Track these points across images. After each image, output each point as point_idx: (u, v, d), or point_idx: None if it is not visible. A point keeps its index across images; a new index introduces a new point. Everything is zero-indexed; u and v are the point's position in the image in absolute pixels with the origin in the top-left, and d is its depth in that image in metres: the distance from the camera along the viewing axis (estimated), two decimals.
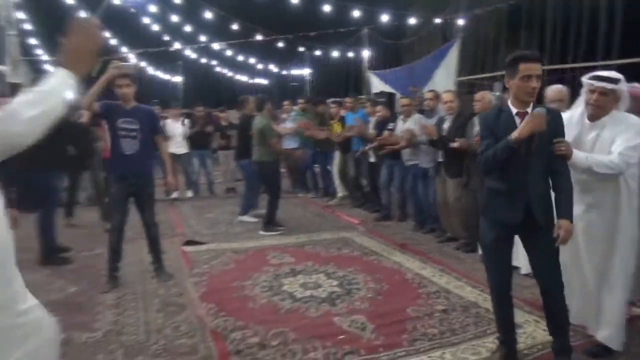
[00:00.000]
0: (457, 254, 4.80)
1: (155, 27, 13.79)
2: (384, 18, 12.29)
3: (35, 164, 4.14)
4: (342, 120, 7.41)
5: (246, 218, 6.40)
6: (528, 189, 2.45)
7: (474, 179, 4.61)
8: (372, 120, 6.70)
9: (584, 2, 10.04)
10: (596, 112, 2.69)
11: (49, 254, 4.49)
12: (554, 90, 3.74)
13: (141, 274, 4.26)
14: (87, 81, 3.93)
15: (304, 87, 21.05)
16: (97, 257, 4.66)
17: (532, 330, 3.07)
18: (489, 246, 2.65)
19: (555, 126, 2.47)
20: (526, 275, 3.79)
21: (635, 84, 3.09)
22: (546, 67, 9.31)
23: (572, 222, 2.39)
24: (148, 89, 20.61)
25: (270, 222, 5.83)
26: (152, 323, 3.23)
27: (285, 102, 9.05)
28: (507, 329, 2.70)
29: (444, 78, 11.16)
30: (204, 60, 18.02)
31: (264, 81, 23.08)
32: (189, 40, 14.95)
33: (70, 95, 1.36)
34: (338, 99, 10.59)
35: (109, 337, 3.03)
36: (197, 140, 8.39)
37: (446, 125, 5.01)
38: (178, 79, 22.98)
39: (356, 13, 12.22)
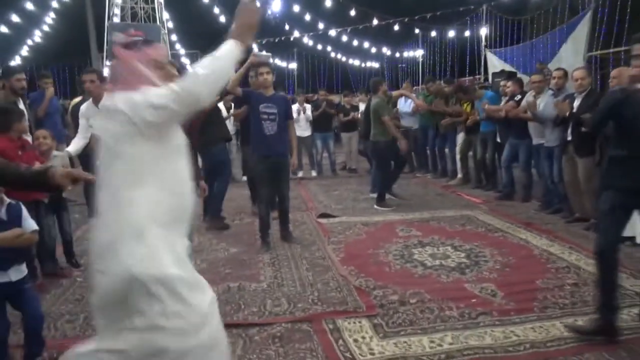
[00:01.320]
0: (587, 234, 4.77)
1: (276, 18, 14.70)
2: None
3: (214, 140, 4.95)
4: (471, 101, 7.42)
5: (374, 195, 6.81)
6: None
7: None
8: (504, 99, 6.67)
9: None
10: None
11: (213, 220, 5.30)
12: None
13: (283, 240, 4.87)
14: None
15: (416, 69, 20.94)
16: (249, 224, 5.42)
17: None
18: (604, 212, 2.71)
19: None
20: None
21: None
22: None
23: None
24: None
25: (381, 198, 6.23)
26: (304, 279, 3.80)
27: (405, 83, 9.28)
28: (609, 293, 2.74)
29: (572, 53, 10.57)
30: (319, 47, 18.70)
31: (375, 64, 23.31)
32: (307, 28, 15.66)
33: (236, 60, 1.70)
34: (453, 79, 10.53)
35: (273, 287, 3.64)
36: (320, 123, 8.99)
37: (576, 104, 4.95)
38: (293, 65, 24.07)
39: None
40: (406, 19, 13.82)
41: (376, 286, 3.61)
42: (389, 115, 6.23)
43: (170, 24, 13.86)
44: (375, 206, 6.22)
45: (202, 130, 4.31)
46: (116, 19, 10.05)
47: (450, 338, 2.82)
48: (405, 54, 21.42)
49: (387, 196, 6.41)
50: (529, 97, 5.82)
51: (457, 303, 3.28)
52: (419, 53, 20.37)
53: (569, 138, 5.04)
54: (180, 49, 15.98)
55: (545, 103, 5.48)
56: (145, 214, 1.61)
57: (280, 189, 4.75)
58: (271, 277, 3.86)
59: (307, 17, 14.14)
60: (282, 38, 16.75)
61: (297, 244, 4.69)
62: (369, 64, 23.10)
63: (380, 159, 6.46)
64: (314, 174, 9.06)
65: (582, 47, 10.26)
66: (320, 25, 15.16)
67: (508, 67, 12.16)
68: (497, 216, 5.57)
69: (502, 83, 6.98)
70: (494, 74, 12.37)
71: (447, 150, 8.01)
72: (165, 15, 12.10)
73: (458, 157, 7.69)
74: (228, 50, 1.67)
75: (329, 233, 5.07)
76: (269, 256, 4.37)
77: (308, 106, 9.20)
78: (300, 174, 8.87)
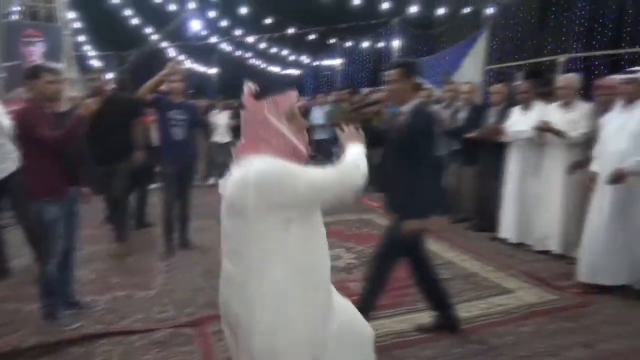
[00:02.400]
0: (467, 233, 5.23)
1: (195, 23, 14.53)
2: (413, 9, 12.57)
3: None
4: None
5: None
6: None
7: (488, 167, 5.01)
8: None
9: None
10: None
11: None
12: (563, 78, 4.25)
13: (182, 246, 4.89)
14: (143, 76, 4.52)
15: (336, 77, 21.49)
16: (147, 232, 5.36)
17: (522, 294, 3.53)
18: None
19: None
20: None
21: None
22: (573, 55, 9.45)
23: None
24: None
25: None
26: (196, 284, 3.85)
27: (319, 95, 9.55)
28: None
29: (473, 67, 11.39)
30: (238, 53, 18.68)
31: (295, 71, 23.60)
32: (225, 34, 15.62)
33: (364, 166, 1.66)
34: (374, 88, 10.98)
35: (162, 294, 3.66)
36: (239, 130, 8.98)
37: (461, 116, 5.42)
38: (213, 70, 23.77)
39: (385, 5, 12.54)
40: (322, 29, 14.20)
41: None
42: None
43: (78, 24, 13.23)
44: None
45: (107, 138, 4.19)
46: (15, 17, 9.45)
47: None
48: (325, 63, 21.91)
49: None
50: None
51: None
52: (337, 62, 20.94)
53: (454, 148, 5.47)
54: (90, 51, 15.30)
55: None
56: None
57: (183, 194, 4.77)
58: (162, 284, 3.88)
59: (225, 23, 14.12)
60: (202, 42, 16.55)
61: (195, 250, 4.72)
62: (289, 70, 23.35)
63: None
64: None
65: (481, 61, 11.11)
66: (238, 32, 15.17)
67: (418, 79, 12.88)
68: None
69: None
70: None
71: None
72: (71, 14, 11.54)
73: None
74: (356, 153, 1.70)
75: None
76: (165, 263, 4.36)
77: (226, 112, 9.12)
78: (211, 181, 8.84)
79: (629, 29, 9.53)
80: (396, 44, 16.03)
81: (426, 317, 3.20)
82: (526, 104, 4.60)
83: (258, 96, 1.58)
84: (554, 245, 4.34)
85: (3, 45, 8.67)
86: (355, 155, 1.66)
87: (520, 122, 4.53)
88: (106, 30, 14.65)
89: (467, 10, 12.84)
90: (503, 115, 4.79)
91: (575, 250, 4.13)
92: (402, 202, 2.75)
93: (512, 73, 10.16)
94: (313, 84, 22.79)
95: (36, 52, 8.84)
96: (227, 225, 1.61)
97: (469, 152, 5.26)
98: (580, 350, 2.78)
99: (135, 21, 13.71)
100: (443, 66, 12.94)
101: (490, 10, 11.60)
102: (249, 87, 1.62)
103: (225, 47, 17.60)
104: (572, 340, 2.89)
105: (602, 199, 3.50)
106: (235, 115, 9.03)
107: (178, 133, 4.58)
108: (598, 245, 3.49)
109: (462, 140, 5.25)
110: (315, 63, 21.64)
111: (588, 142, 3.93)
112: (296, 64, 22.14)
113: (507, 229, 4.77)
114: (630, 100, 3.45)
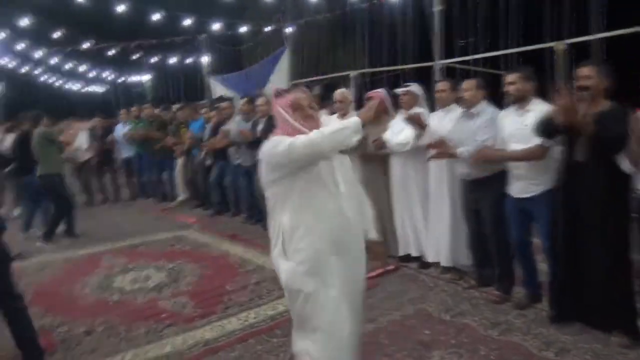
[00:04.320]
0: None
1: None
2: (216, 26, 12.78)
3: None
4: (186, 125, 7.66)
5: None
6: None
7: None
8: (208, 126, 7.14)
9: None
10: None
11: None
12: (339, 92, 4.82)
13: None
14: None
15: (147, 93, 20.56)
16: None
17: None
18: None
19: None
20: None
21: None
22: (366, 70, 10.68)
23: None
24: None
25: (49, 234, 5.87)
26: None
27: (122, 111, 9.03)
28: None
29: (279, 81, 12.05)
30: (25, 68, 16.55)
31: (99, 89, 21.90)
32: (4, 47, 13.71)
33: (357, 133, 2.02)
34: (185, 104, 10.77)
35: None
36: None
37: (260, 127, 5.73)
38: None
39: (188, 21, 12.50)
40: (123, 44, 13.46)
41: (62, 322, 3.45)
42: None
43: None
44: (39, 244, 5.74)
45: None
46: None
47: (131, 355, 2.93)
48: (132, 79, 20.80)
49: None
50: (231, 123, 6.46)
51: (147, 321, 3.41)
52: (145, 77, 20.06)
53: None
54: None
55: (237, 126, 6.15)
56: None
57: None
58: None
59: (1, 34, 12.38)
60: None
61: None
62: (91, 88, 21.56)
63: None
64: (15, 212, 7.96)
65: (285, 76, 11.81)
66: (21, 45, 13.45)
67: (229, 93, 13.08)
68: (206, 233, 5.95)
69: (203, 111, 7.52)
70: (215, 99, 13.13)
71: (164, 175, 8.11)
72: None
73: (178, 180, 7.89)
74: (353, 122, 2.02)
75: (17, 277, 4.55)
76: None
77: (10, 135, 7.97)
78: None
79: (403, 49, 11.20)
80: (205, 59, 16.08)
81: (235, 321, 3.34)
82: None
83: (275, 96, 2.17)
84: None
85: None
86: (346, 121, 2.06)
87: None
88: None
89: (268, 29, 13.56)
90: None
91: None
92: None
93: (311, 86, 11.04)
94: (124, 100, 21.39)
95: None
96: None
97: None
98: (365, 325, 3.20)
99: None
100: (252, 81, 13.42)
101: (289, 29, 12.44)
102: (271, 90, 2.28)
103: (8, 62, 15.43)
104: None
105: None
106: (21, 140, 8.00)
107: None
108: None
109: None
110: (122, 79, 20.37)
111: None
112: (99, 80, 20.55)
113: None
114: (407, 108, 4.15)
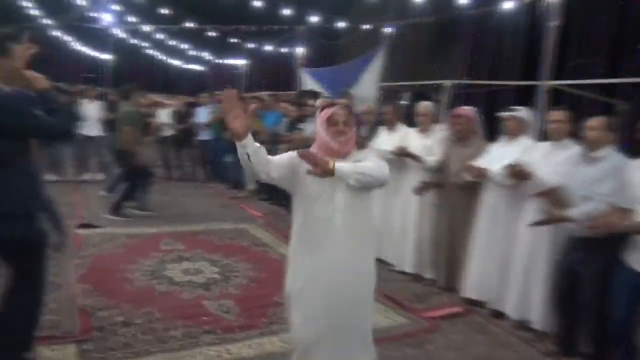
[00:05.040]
0: None
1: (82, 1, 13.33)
2: (314, 19, 12.64)
3: None
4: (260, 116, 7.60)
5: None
6: None
7: None
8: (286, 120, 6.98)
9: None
10: None
11: None
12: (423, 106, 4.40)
13: None
14: None
15: (240, 78, 21.03)
16: None
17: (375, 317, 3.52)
18: None
19: None
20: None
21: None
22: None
23: None
24: (74, 63, 19.78)
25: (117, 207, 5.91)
26: None
27: (204, 94, 9.15)
28: None
29: (369, 82, 11.68)
30: (134, 41, 17.54)
31: (198, 67, 22.76)
32: (119, 19, 14.56)
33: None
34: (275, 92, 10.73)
35: None
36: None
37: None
38: (107, 56, 22.14)
39: (287, 11, 12.48)
40: (223, 27, 13.75)
41: (106, 306, 3.36)
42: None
43: None
44: (107, 216, 5.82)
45: None
46: None
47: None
48: (229, 61, 21.38)
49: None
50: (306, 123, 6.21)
51: (186, 322, 3.23)
52: (241, 62, 20.50)
53: None
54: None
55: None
56: None
57: None
58: None
59: (117, 7, 13.12)
60: (93, 25, 15.25)
61: None
62: (191, 65, 22.47)
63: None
64: (98, 177, 8.33)
65: (376, 78, 11.40)
66: (132, 18, 14.20)
67: (318, 87, 12.92)
68: (268, 230, 5.76)
69: (282, 105, 7.30)
70: (302, 92, 13.02)
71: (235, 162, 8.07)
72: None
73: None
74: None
75: (80, 246, 4.63)
76: None
77: (97, 103, 8.39)
78: (86, 177, 8.12)
79: (507, 63, 10.36)
80: (300, 50, 16.07)
81: (277, 342, 3.07)
82: (391, 126, 4.71)
83: (320, 109, 2.24)
84: (408, 266, 4.46)
85: None
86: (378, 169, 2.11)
87: (385, 142, 4.62)
88: None
89: (367, 26, 13.20)
90: (372, 133, 4.87)
91: (429, 270, 4.28)
92: None
93: (401, 92, 10.56)
94: (218, 82, 22.08)
95: None
96: None
97: None
98: None
99: None
100: (343, 78, 13.16)
101: (388, 29, 12.00)
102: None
103: (119, 33, 16.41)
104: None
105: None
106: (110, 108, 8.34)
107: None
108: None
109: None
110: (218, 61, 21.03)
111: (439, 167, 4.14)
112: (198, 60, 21.35)
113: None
114: (512, 135, 3.68)
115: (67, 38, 17.48)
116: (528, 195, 3.31)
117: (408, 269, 4.45)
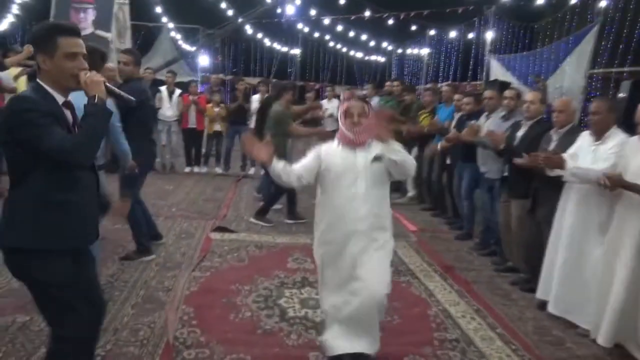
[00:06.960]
0: (510, 292, 3.93)
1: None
2: None
3: None
4: (433, 111, 6.54)
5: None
6: None
7: (542, 206, 3.67)
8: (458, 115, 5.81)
9: None
10: None
11: None
12: None
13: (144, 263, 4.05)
14: None
15: (421, 68, 19.88)
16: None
17: None
18: None
19: None
20: None
21: None
22: None
23: None
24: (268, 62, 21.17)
25: (262, 213, 5.48)
26: (118, 320, 3.03)
27: (369, 86, 8.38)
28: None
29: (574, 69, 9.60)
30: (316, 35, 17.81)
31: (380, 59, 22.28)
32: (301, 12, 14.81)
33: None
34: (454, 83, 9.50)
35: None
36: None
37: (520, 133, 4.09)
38: (296, 51, 23.13)
39: None
40: (401, 14, 12.83)
41: (196, 344, 2.82)
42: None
43: None
44: (252, 219, 5.45)
45: None
46: None
47: None
48: (410, 51, 20.37)
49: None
50: (482, 118, 4.99)
51: None
52: (424, 52, 19.29)
53: (506, 173, 4.19)
54: (169, 23, 15.18)
55: (490, 126, 4.62)
56: None
57: None
58: None
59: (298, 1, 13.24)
60: (279, 20, 15.90)
61: (152, 265, 3.94)
62: (373, 57, 22.07)
63: None
64: (218, 170, 8.30)
65: (585, 64, 9.27)
66: (312, 12, 14.25)
67: (509, 77, 11.18)
68: (420, 252, 4.74)
69: (456, 97, 6.02)
70: (487, 82, 11.38)
71: None
72: None
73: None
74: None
75: (207, 253, 4.29)
76: (104, 280, 3.58)
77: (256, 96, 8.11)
78: (251, 172, 8.20)
79: None
80: (489, 35, 14.27)
81: None
82: (599, 130, 3.23)
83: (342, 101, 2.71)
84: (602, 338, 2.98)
85: (54, 11, 8.48)
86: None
87: (587, 154, 3.18)
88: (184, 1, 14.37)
89: (574, 1, 10.86)
90: (567, 140, 3.46)
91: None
92: None
93: (618, 81, 8.29)
94: (399, 73, 21.30)
95: (86, 20, 8.56)
96: None
97: (518, 180, 3.95)
98: None
99: None
100: (539, 66, 11.19)
101: (602, 3, 9.64)
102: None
103: (304, 27, 16.79)
104: None
105: None
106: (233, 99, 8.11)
107: None
108: None
109: (513, 165, 3.94)
110: (399, 51, 20.21)
111: None
112: (379, 51, 20.83)
113: (547, 292, 3.48)
114: None
115: (259, 35, 18.57)
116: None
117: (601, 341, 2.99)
